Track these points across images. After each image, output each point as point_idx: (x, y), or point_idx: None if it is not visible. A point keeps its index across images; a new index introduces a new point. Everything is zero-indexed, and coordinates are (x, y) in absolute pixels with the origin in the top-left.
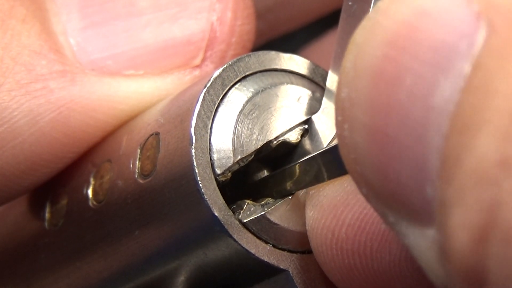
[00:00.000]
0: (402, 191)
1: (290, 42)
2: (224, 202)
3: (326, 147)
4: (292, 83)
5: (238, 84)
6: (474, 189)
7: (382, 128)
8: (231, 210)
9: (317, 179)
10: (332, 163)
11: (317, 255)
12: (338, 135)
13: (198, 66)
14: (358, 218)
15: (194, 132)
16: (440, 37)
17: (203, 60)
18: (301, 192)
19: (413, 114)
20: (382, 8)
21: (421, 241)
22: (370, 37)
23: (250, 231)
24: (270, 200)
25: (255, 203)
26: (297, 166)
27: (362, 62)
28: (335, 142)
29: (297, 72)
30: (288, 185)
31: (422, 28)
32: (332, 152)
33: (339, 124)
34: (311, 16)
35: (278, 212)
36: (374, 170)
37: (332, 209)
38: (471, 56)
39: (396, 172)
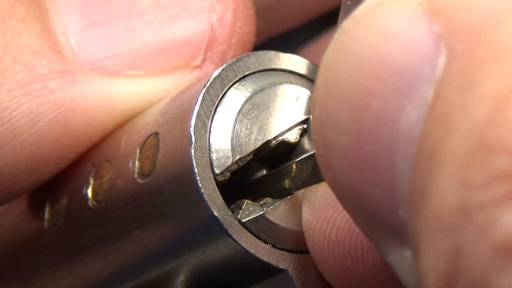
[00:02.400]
0: (377, 212)
1: (289, 41)
2: (223, 202)
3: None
4: (291, 83)
5: (237, 84)
6: (438, 234)
7: (354, 151)
8: (230, 210)
9: (316, 178)
10: None
11: (313, 255)
12: (316, 153)
13: (198, 67)
14: (348, 221)
15: (194, 132)
16: (403, 60)
17: (203, 60)
18: (300, 192)
19: (381, 139)
20: (346, 29)
21: (400, 260)
22: (336, 59)
23: (249, 231)
24: (269, 199)
25: (254, 202)
26: (295, 164)
27: (330, 84)
28: None
29: (296, 72)
30: (287, 183)
31: (385, 51)
32: None
33: (315, 143)
34: (310, 15)
35: (277, 212)
36: (350, 190)
37: (323, 211)
38: (433, 82)
39: (370, 194)
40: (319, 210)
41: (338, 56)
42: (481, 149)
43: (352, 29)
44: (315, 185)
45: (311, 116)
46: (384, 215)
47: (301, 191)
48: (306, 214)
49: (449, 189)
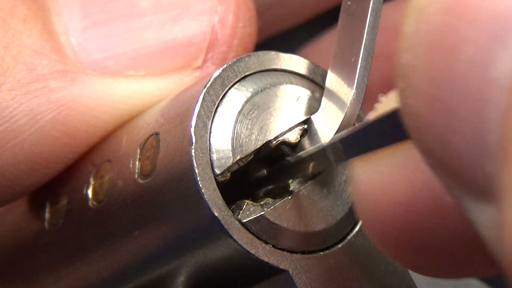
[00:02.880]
0: (463, 165)
1: (289, 41)
2: (223, 202)
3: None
4: (291, 83)
5: (238, 84)
6: None
7: (442, 99)
8: (231, 210)
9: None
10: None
11: (367, 229)
12: (401, 103)
13: (199, 68)
14: (407, 196)
15: (194, 132)
16: (500, 6)
17: (204, 61)
18: (300, 192)
19: (472, 86)
20: None
21: (483, 217)
22: (428, 2)
23: (249, 231)
24: (269, 200)
25: (254, 203)
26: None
27: (422, 28)
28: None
29: (296, 72)
30: (288, 182)
31: None
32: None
33: (402, 92)
34: (309, 14)
35: (277, 212)
36: (436, 141)
37: (380, 184)
38: None
39: (456, 145)
40: (376, 183)
41: (431, 1)
42: None
43: None
44: (366, 157)
45: (315, 120)
46: (470, 168)
47: (301, 190)
48: (359, 186)
49: None
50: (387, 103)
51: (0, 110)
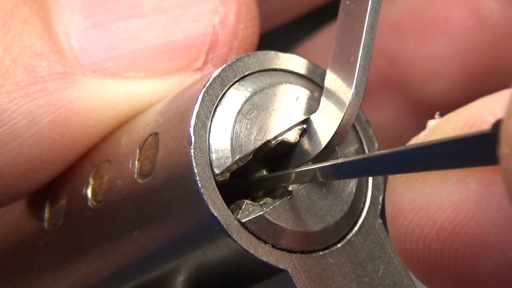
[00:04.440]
0: None
1: (287, 38)
2: (223, 202)
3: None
4: (290, 83)
5: (237, 84)
6: None
7: None
8: (230, 210)
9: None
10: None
11: (398, 244)
12: (504, 166)
13: (199, 69)
14: (453, 223)
15: (193, 132)
16: None
17: (205, 63)
18: (299, 192)
19: None
20: None
21: None
22: None
23: (249, 231)
24: (268, 200)
25: (253, 203)
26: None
27: None
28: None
29: (295, 72)
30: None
31: None
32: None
33: (505, 158)
34: (304, 8)
35: (276, 212)
36: None
37: (425, 206)
38: None
39: None
40: (420, 203)
41: None
42: None
43: None
44: (411, 174)
45: (314, 120)
46: None
47: (301, 190)
48: (399, 202)
49: None
50: (444, 125)
51: None
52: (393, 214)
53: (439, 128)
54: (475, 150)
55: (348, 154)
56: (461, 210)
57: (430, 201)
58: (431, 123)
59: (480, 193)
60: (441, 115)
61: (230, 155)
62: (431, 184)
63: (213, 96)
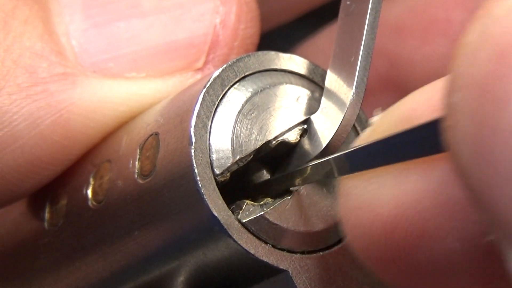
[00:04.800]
0: (504, 217)
1: (287, 38)
2: (223, 202)
3: (341, 153)
4: (291, 83)
5: (237, 84)
6: None
7: (488, 149)
8: (231, 210)
9: (327, 176)
10: (345, 165)
11: (352, 243)
12: (448, 139)
13: (200, 69)
14: (397, 215)
15: (194, 132)
16: None
17: (205, 63)
18: (300, 192)
19: None
20: (495, 15)
21: None
22: (480, 46)
23: (249, 231)
24: (269, 200)
25: (254, 203)
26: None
27: (473, 72)
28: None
29: (296, 72)
30: (297, 182)
31: None
32: (347, 157)
33: (448, 129)
34: (304, 8)
35: (277, 212)
36: (475, 184)
37: (370, 202)
38: None
39: (498, 192)
40: (365, 200)
41: (482, 43)
42: None
43: (503, 17)
44: (354, 174)
45: (315, 120)
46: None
47: (301, 191)
48: (347, 202)
49: None
50: (385, 121)
51: (0, 115)
52: (343, 213)
53: (380, 124)
54: (421, 140)
55: None
56: (402, 202)
57: (374, 197)
58: (373, 119)
59: (419, 183)
60: None
61: (230, 155)
62: (374, 181)
63: (214, 96)
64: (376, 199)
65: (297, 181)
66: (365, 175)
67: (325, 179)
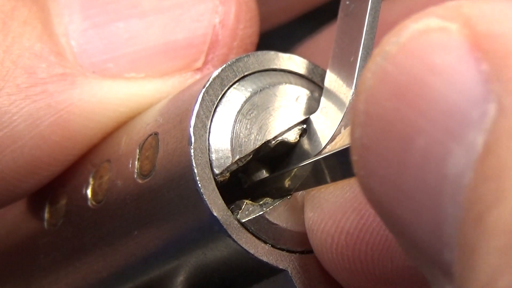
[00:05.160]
0: (421, 245)
1: (287, 38)
2: (223, 202)
3: (332, 151)
4: (290, 83)
5: (237, 84)
6: None
7: (397, 183)
8: (230, 210)
9: (319, 181)
10: (336, 166)
11: (318, 255)
12: (356, 172)
13: (199, 69)
14: (357, 228)
15: (193, 132)
16: (451, 99)
17: (205, 63)
18: (300, 192)
19: (427, 178)
20: (390, 55)
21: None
22: (379, 85)
23: (249, 231)
24: (268, 200)
25: (253, 203)
26: (297, 168)
27: (372, 110)
28: (340, 144)
29: (295, 72)
30: (288, 182)
31: (433, 86)
32: (337, 156)
33: (355, 163)
34: (304, 8)
35: (276, 212)
36: (392, 217)
37: (331, 215)
38: (483, 130)
39: (414, 227)
40: (328, 213)
41: (381, 83)
42: None
43: (397, 56)
44: (320, 187)
45: (314, 120)
46: (428, 249)
47: (301, 191)
48: (312, 214)
49: (499, 270)
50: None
51: None
52: (308, 227)
53: (345, 134)
54: (341, 165)
55: None
56: (363, 213)
57: (335, 209)
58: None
59: None
60: None
61: (230, 155)
62: (335, 193)
63: (213, 96)
64: (338, 211)
65: (287, 183)
66: (328, 188)
67: (318, 185)
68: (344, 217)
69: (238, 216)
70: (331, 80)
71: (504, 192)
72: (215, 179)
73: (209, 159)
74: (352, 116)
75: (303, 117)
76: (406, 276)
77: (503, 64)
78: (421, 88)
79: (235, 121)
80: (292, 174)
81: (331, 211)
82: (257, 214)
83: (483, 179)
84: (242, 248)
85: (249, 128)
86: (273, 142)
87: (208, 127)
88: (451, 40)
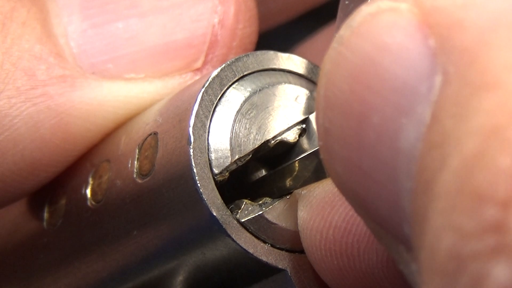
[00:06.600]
0: (384, 222)
1: (286, 38)
2: (222, 201)
3: None
4: (290, 83)
5: (236, 83)
6: (435, 274)
7: (356, 163)
8: (229, 210)
9: (317, 176)
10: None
11: (309, 254)
12: (322, 158)
13: (199, 69)
14: (344, 220)
15: (192, 132)
16: (400, 76)
17: (204, 63)
18: (299, 191)
19: (382, 154)
20: (344, 39)
21: (409, 271)
22: (336, 69)
23: (248, 230)
24: (267, 199)
25: (253, 202)
26: (297, 162)
27: (331, 94)
28: None
29: (295, 72)
30: (288, 182)
31: (383, 65)
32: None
33: (320, 149)
34: (303, 7)
35: (275, 212)
36: (356, 198)
37: (320, 211)
38: (431, 102)
39: (375, 204)
40: (316, 209)
41: (337, 66)
42: (470, 195)
43: (350, 40)
44: (311, 185)
45: (313, 119)
46: (390, 225)
47: (299, 190)
48: (302, 213)
49: (442, 231)
50: None
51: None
52: (300, 227)
53: None
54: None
55: None
56: (353, 212)
57: (324, 204)
58: None
59: None
60: None
61: (229, 154)
62: (324, 189)
63: (212, 96)
64: (327, 205)
65: (288, 181)
66: (318, 185)
67: (317, 180)
68: (333, 211)
69: (238, 215)
70: None
71: (448, 157)
72: (214, 179)
73: (209, 159)
74: (315, 102)
75: (302, 117)
76: (391, 271)
77: (446, 35)
78: (373, 68)
79: (234, 121)
80: (293, 170)
81: (320, 207)
82: (257, 214)
83: (429, 148)
84: (242, 247)
85: (248, 128)
86: (273, 141)
87: (208, 127)
88: (401, 19)
